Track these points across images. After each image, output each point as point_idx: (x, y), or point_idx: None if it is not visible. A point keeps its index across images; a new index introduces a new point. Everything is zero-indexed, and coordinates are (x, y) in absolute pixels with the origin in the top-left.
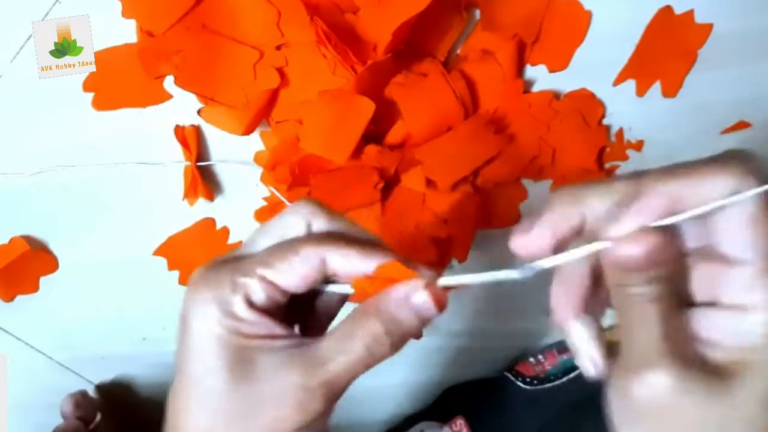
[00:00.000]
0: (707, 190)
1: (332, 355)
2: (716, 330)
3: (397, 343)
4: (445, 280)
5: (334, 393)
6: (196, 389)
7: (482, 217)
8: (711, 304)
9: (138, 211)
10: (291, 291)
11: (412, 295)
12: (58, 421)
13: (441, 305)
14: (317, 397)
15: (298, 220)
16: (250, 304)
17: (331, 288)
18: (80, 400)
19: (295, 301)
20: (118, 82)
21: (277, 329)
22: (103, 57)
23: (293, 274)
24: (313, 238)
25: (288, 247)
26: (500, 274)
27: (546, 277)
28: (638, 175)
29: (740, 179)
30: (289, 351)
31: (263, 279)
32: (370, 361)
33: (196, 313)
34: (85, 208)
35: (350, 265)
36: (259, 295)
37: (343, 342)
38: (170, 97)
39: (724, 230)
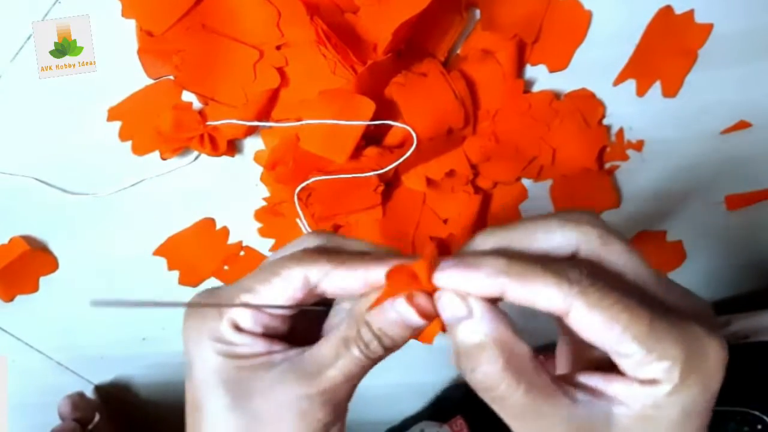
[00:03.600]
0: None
1: (328, 362)
2: (621, 394)
3: (390, 348)
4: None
5: (335, 400)
6: (201, 415)
7: (482, 217)
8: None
9: (138, 211)
10: (278, 312)
11: (396, 304)
12: (58, 421)
13: (424, 315)
14: (318, 405)
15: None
16: (239, 328)
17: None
18: (77, 401)
19: (305, 320)
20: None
21: (275, 347)
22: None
23: (275, 296)
24: (295, 256)
25: (270, 268)
26: None
27: None
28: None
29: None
30: (286, 364)
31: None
32: (366, 364)
33: (192, 344)
34: (86, 208)
35: (330, 281)
36: (246, 320)
37: (338, 348)
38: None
39: (587, 331)
